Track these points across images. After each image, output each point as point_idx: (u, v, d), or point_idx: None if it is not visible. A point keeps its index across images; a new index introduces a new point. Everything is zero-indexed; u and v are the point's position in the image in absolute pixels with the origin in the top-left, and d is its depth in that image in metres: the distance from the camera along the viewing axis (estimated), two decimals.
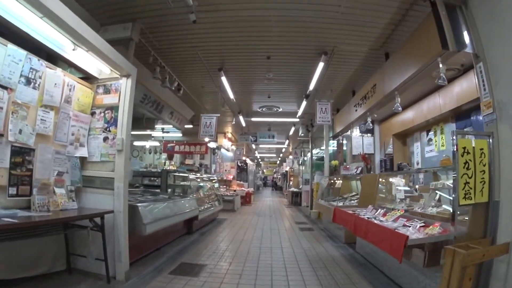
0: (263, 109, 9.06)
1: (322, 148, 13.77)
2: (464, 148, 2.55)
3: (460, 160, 2.54)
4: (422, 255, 2.83)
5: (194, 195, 7.27)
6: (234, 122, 9.61)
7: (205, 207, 7.55)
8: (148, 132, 11.42)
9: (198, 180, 8.34)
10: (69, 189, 3.43)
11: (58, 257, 3.48)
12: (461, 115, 4.80)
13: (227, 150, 14.93)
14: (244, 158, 19.74)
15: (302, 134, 11.13)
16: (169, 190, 7.14)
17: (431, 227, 2.96)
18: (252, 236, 6.39)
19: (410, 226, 3.19)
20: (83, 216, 3.25)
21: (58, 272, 3.43)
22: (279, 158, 28.09)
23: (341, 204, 5.85)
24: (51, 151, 3.34)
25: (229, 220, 8.77)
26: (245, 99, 8.32)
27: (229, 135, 13.91)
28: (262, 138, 12.08)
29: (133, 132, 11.70)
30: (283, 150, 20.20)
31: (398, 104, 4.58)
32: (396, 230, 2.98)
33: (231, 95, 7.09)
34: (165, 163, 13.27)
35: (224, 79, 6.13)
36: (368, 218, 3.98)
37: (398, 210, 3.86)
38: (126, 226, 3.61)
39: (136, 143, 13.86)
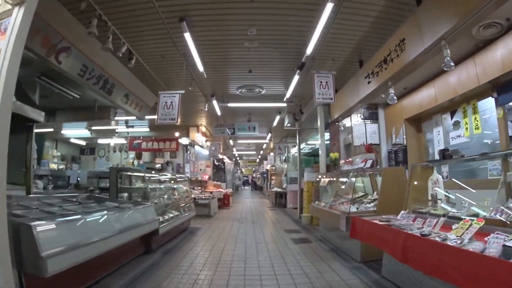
0: (243, 90, 7.31)
1: (309, 142, 12.39)
2: None
3: None
4: None
5: (156, 201, 5.54)
6: (207, 109, 7.79)
7: (171, 215, 5.93)
8: (113, 126, 9.85)
9: (163, 181, 6.62)
10: None
11: None
12: (505, 86, 3.47)
13: (202, 146, 13.18)
14: (221, 156, 18.08)
15: (289, 125, 9.54)
16: (126, 194, 5.49)
17: None
18: (233, 255, 4.72)
19: None
20: None
21: None
22: (259, 156, 26.45)
23: (354, 209, 4.30)
24: None
25: (204, 230, 7.08)
26: (220, 75, 6.54)
27: (203, 128, 12.12)
28: (241, 130, 10.35)
29: (94, 128, 10.06)
30: (264, 146, 18.55)
31: (449, 58, 3.15)
32: None
33: (200, 67, 5.33)
34: (133, 162, 11.89)
35: (188, 37, 4.30)
36: (423, 234, 2.44)
37: (473, 220, 2.32)
38: (8, 263, 2.10)
39: (100, 141, 12.39)
